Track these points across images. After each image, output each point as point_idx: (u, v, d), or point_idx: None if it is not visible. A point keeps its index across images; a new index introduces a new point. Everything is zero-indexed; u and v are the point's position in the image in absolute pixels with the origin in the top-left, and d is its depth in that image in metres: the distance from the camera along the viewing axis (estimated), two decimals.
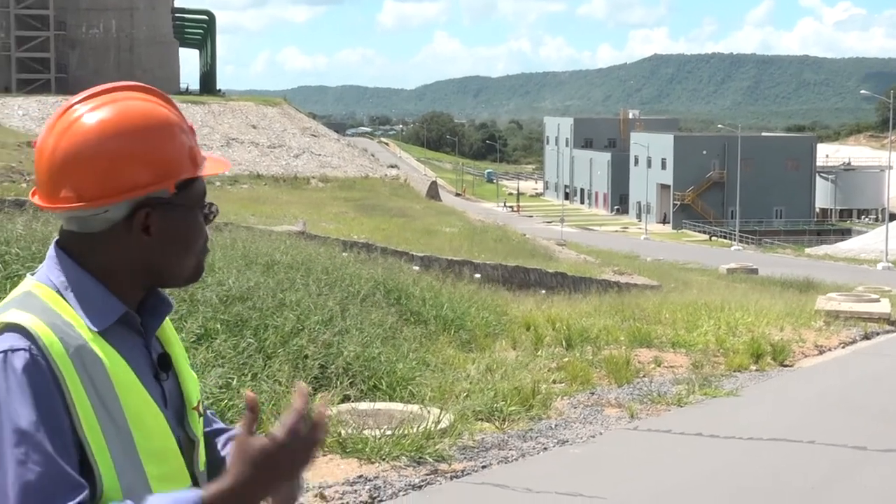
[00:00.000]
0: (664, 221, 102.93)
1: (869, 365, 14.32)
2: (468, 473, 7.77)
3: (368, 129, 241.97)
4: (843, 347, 15.96)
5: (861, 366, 14.27)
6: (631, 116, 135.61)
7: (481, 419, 9.27)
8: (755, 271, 45.99)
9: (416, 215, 50.49)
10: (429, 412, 8.59)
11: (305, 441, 1.76)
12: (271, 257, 13.19)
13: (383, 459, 7.69)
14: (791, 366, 13.99)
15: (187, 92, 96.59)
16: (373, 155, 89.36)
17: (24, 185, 32.47)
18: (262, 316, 9.68)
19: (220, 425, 2.19)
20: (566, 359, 12.38)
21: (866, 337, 17.05)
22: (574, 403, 10.49)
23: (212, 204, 1.97)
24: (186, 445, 1.95)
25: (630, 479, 7.91)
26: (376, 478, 7.33)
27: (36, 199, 1.89)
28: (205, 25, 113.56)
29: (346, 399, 8.89)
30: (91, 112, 1.85)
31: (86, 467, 1.76)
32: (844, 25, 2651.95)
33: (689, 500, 7.54)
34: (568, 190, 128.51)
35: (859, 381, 12.96)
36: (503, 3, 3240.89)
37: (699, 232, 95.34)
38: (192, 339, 8.52)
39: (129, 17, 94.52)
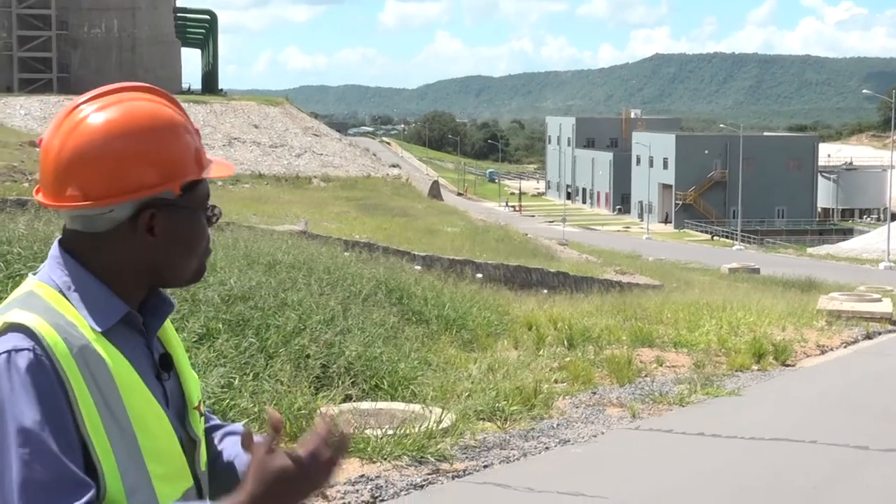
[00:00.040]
0: (666, 221, 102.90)
1: (871, 365, 14.32)
2: (470, 473, 7.77)
3: (370, 129, 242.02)
4: (845, 347, 15.95)
5: (863, 365, 14.26)
6: (633, 116, 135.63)
7: (483, 419, 9.27)
8: (757, 271, 46.00)
9: (417, 215, 50.51)
10: (430, 412, 8.60)
11: (325, 463, 1.78)
12: (273, 257, 13.19)
13: (385, 459, 7.69)
14: (793, 365, 13.98)
15: (189, 91, 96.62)
16: (374, 154, 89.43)
17: (27, 184, 32.51)
18: (263, 315, 9.68)
19: (216, 421, 2.20)
20: (568, 358, 12.38)
21: (868, 337, 17.04)
22: (576, 403, 10.49)
23: (214, 206, 1.98)
24: (188, 445, 1.95)
25: (632, 479, 7.91)
26: (378, 477, 7.33)
27: (40, 197, 1.90)
28: (207, 25, 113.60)
29: (347, 399, 8.89)
30: (98, 112, 1.85)
31: (89, 467, 1.76)
32: (846, 25, 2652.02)
33: (690, 500, 7.54)
34: (570, 189, 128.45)
35: (861, 380, 12.95)
36: (505, 2, 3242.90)
37: (701, 232, 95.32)
38: (194, 339, 8.52)
39: (131, 16, 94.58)
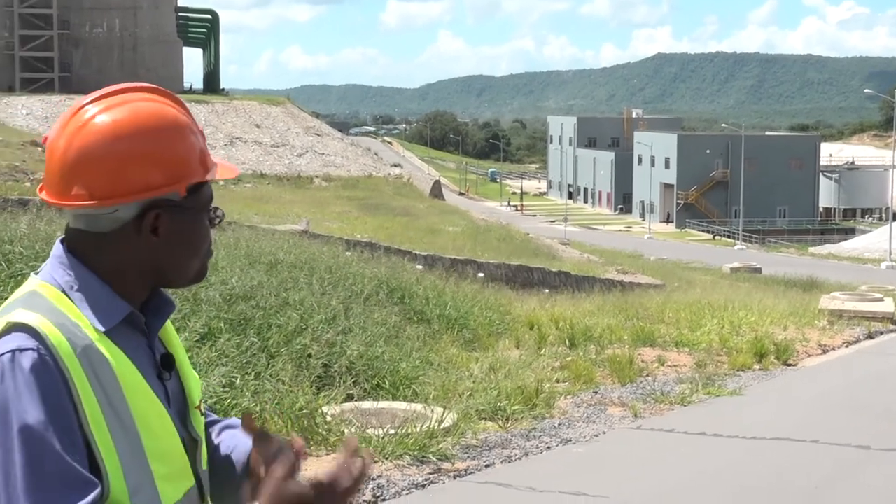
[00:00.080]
0: (668, 220, 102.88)
1: (872, 364, 14.31)
2: (471, 472, 7.77)
3: (372, 129, 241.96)
4: (847, 347, 15.94)
5: (864, 365, 14.26)
6: (634, 115, 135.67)
7: (485, 418, 9.28)
8: (758, 270, 46.00)
9: (419, 214, 50.52)
10: (432, 411, 8.60)
11: (343, 493, 1.81)
12: (275, 256, 13.19)
13: (387, 458, 7.70)
14: (794, 365, 13.98)
15: (191, 91, 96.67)
16: (376, 154, 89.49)
17: (28, 184, 32.51)
18: (265, 315, 9.69)
19: (213, 417, 2.20)
20: (569, 358, 12.38)
21: (870, 336, 17.03)
22: (577, 402, 10.50)
23: (217, 208, 1.98)
24: (189, 445, 1.95)
25: (633, 479, 7.91)
26: (380, 477, 7.33)
27: (44, 195, 1.90)
28: (208, 25, 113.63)
29: (349, 398, 8.89)
30: (105, 112, 1.85)
31: (93, 467, 1.76)
32: (848, 24, 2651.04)
33: (692, 500, 7.54)
34: (571, 189, 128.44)
35: (863, 380, 12.95)
36: (507, 2, 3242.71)
37: (703, 231, 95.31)
38: (196, 338, 8.52)
39: (133, 16, 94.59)
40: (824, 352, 15.24)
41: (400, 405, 8.90)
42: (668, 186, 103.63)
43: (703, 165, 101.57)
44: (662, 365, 12.86)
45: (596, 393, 10.98)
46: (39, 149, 45.85)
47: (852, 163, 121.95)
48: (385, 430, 8.03)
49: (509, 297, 18.02)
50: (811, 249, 75.13)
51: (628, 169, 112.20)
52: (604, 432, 9.38)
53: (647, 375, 12.17)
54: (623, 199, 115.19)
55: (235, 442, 2.11)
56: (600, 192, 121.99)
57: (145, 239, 1.87)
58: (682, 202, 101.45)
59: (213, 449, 2.11)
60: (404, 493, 7.13)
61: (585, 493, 7.35)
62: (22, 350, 1.74)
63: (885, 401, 11.51)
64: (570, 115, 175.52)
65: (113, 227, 1.86)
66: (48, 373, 1.74)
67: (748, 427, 9.70)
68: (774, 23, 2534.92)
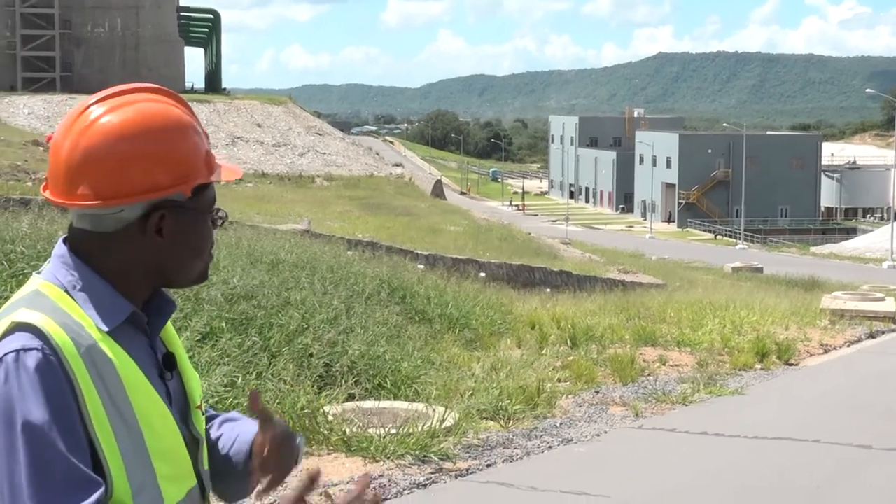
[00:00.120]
0: (669, 220, 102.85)
1: (874, 364, 14.30)
2: (473, 472, 7.77)
3: (373, 128, 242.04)
4: (849, 346, 15.93)
5: (866, 364, 14.25)
6: (636, 115, 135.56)
7: (486, 418, 9.28)
8: (760, 270, 46.01)
9: (420, 214, 50.51)
10: (434, 411, 8.59)
11: None
12: (276, 256, 13.19)
13: (388, 458, 7.70)
14: (796, 364, 13.97)
15: (192, 91, 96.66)
16: (377, 153, 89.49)
17: (30, 183, 32.51)
18: (267, 314, 9.69)
19: (212, 412, 2.21)
20: (571, 357, 12.37)
21: (871, 336, 17.02)
22: (579, 402, 10.49)
23: (219, 209, 1.99)
24: (191, 444, 1.96)
25: (635, 478, 7.91)
26: (381, 476, 7.33)
27: (48, 195, 1.90)
28: (210, 24, 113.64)
29: (350, 398, 8.89)
30: (111, 112, 1.85)
31: (96, 467, 1.76)
32: (850, 24, 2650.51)
33: (693, 499, 7.54)
34: (573, 189, 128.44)
35: (864, 379, 12.94)
36: (508, 1, 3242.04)
37: (704, 231, 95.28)
38: (198, 338, 8.53)
39: (135, 15, 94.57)
40: (826, 351, 15.24)
41: (401, 405, 8.90)
42: (669, 186, 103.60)
43: (704, 165, 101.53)
44: (664, 364, 12.85)
45: (597, 392, 10.98)
46: (41, 148, 45.86)
47: (854, 162, 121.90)
48: (386, 429, 8.03)
49: (511, 297, 18.02)
50: (813, 249, 75.11)
51: (630, 168, 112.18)
52: (605, 432, 9.37)
53: (649, 375, 12.16)
54: (624, 199, 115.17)
55: (237, 433, 2.12)
56: (602, 192, 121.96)
57: (150, 239, 1.87)
58: (684, 202, 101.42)
59: (214, 440, 2.12)
60: (406, 492, 7.13)
61: (587, 492, 7.35)
62: (26, 350, 1.74)
63: (886, 400, 11.50)
64: (571, 114, 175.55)
65: (117, 227, 1.86)
66: (52, 372, 1.74)
67: (750, 427, 9.69)
68: (776, 22, 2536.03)
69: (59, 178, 1.86)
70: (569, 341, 13.58)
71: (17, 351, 1.74)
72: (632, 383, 11.57)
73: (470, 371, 10.68)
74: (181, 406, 1.97)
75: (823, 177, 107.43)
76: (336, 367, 9.20)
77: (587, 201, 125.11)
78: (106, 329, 1.83)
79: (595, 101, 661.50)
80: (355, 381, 9.15)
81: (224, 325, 9.05)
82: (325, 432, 7.87)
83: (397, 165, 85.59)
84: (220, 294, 9.66)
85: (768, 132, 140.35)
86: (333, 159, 72.80)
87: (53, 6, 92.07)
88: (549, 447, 8.71)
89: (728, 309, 17.60)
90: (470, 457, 8.10)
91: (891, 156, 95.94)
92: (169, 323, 2.04)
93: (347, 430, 7.91)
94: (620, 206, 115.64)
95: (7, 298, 1.93)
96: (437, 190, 70.70)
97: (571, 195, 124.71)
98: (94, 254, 1.88)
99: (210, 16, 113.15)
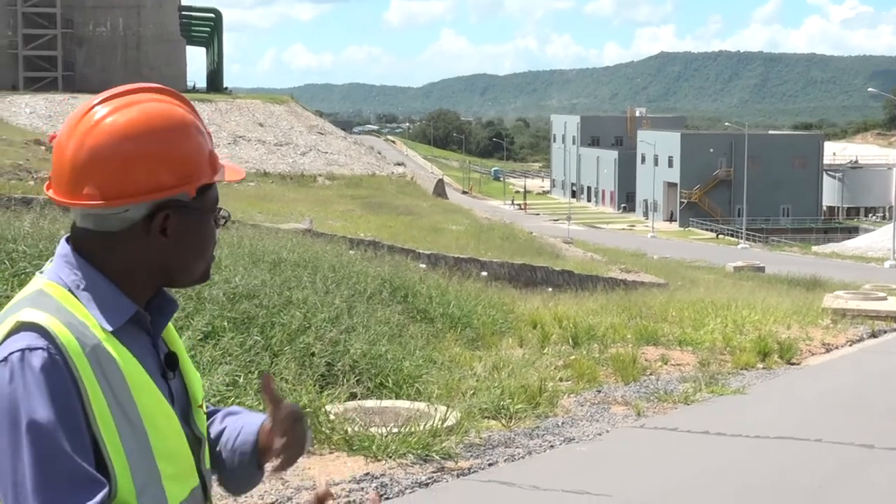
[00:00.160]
0: (671, 219, 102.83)
1: (876, 363, 14.30)
2: (475, 471, 7.77)
3: (375, 127, 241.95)
4: (851, 345, 15.93)
5: (868, 364, 14.25)
6: (638, 114, 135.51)
7: (488, 417, 9.28)
8: (762, 269, 45.99)
9: (422, 213, 50.49)
10: (435, 410, 8.60)
11: None
12: (278, 255, 13.19)
13: (390, 457, 7.70)
14: (798, 364, 13.97)
15: (194, 90, 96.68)
16: (379, 153, 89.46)
17: (32, 182, 32.51)
18: (268, 314, 9.70)
19: (211, 407, 2.22)
20: (573, 357, 12.37)
21: (873, 335, 17.02)
22: (581, 401, 10.49)
23: (221, 209, 1.99)
24: (193, 444, 1.96)
25: (636, 477, 7.90)
26: (383, 475, 7.33)
27: (52, 194, 1.90)
28: (212, 23, 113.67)
29: (352, 397, 8.89)
30: (116, 112, 1.86)
31: (101, 467, 1.76)
32: (852, 23, 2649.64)
33: (695, 498, 7.54)
34: (575, 188, 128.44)
35: (866, 379, 12.94)
36: (510, 0, 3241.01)
37: (706, 230, 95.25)
38: (200, 337, 8.53)
39: (136, 14, 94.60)
40: (828, 351, 15.23)
41: (403, 404, 8.90)
42: (671, 185, 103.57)
43: (706, 164, 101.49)
44: (666, 364, 12.85)
45: (599, 392, 10.98)
46: (43, 147, 45.87)
47: (856, 161, 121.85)
48: (388, 428, 8.03)
49: (512, 296, 18.02)
50: (814, 248, 75.07)
51: (631, 168, 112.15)
52: (607, 431, 9.37)
53: (651, 374, 12.17)
54: (626, 198, 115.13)
55: (241, 425, 2.13)
56: (603, 191, 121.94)
57: (154, 239, 1.88)
58: (686, 201, 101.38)
59: (218, 434, 2.13)
60: (408, 491, 7.14)
61: (589, 491, 7.35)
62: (32, 349, 1.74)
63: (888, 400, 11.50)
64: (573, 113, 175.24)
65: (122, 226, 1.87)
66: (58, 372, 1.74)
67: (751, 426, 9.69)
68: (778, 21, 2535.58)
69: (64, 177, 1.86)
70: (570, 340, 13.58)
71: (23, 350, 1.74)
72: (634, 382, 11.57)
73: (472, 370, 10.68)
74: (183, 405, 1.98)
75: (825, 176, 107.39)
76: (338, 367, 9.21)
77: (589, 200, 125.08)
78: (110, 329, 1.83)
79: (597, 100, 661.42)
80: (357, 381, 9.16)
81: (226, 324, 9.05)
82: (327, 431, 7.87)
83: (399, 165, 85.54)
84: (222, 293, 9.66)
85: (770, 131, 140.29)
86: (335, 158, 72.80)
87: (55, 5, 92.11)
88: (551, 446, 8.71)
89: (730, 308, 17.60)
90: (472, 456, 8.10)
91: (893, 155, 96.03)
92: (169, 322, 2.05)
93: (349, 430, 7.91)
94: (622, 205, 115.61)
95: (9, 298, 1.93)
96: (439, 189, 70.69)
97: (573, 194, 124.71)
98: (97, 253, 1.88)
99: (212, 15, 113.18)
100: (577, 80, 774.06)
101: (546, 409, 9.82)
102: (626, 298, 19.33)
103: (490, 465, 7.98)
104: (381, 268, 14.78)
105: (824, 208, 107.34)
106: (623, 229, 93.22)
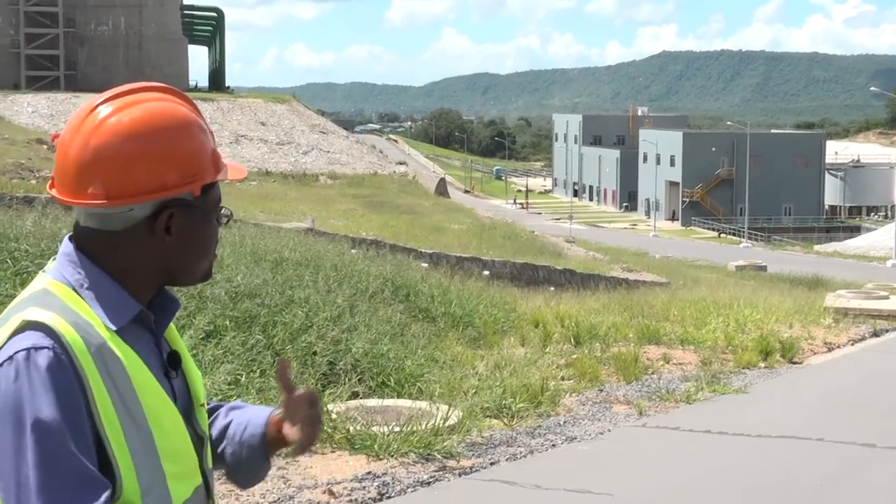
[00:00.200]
0: (673, 218, 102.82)
1: (878, 362, 14.29)
2: (476, 470, 7.77)
3: (377, 126, 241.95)
4: (853, 344, 15.91)
5: (870, 363, 14.23)
6: (640, 113, 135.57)
7: (490, 416, 9.28)
8: (764, 268, 45.99)
9: (424, 212, 50.47)
10: (437, 409, 8.60)
11: None
12: (280, 254, 13.20)
13: (392, 456, 7.70)
14: (800, 363, 13.96)
15: (196, 89, 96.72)
16: (381, 152, 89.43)
17: (34, 181, 32.50)
18: (270, 313, 9.70)
19: (214, 403, 2.23)
20: (575, 356, 12.37)
21: (875, 334, 16.99)
22: (582, 400, 10.49)
23: (223, 207, 2.00)
24: (196, 443, 1.96)
25: (638, 476, 7.90)
26: (385, 474, 7.33)
27: (55, 194, 1.90)
28: (214, 22, 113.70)
29: (354, 396, 8.89)
30: (120, 112, 1.86)
31: (105, 466, 1.77)
32: (854, 22, 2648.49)
33: (697, 498, 7.53)
34: (577, 187, 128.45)
35: (868, 378, 12.93)
36: None
37: (708, 229, 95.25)
38: (202, 336, 8.54)
39: (138, 13, 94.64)
40: (830, 350, 15.22)
41: (405, 403, 8.90)
42: (673, 184, 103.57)
43: (708, 163, 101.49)
44: (668, 363, 12.85)
45: (601, 391, 10.98)
46: (45, 146, 45.87)
47: (858, 160, 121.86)
48: (390, 427, 8.03)
49: (514, 295, 18.02)
50: (816, 247, 75.06)
51: (633, 167, 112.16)
52: (609, 430, 9.37)
53: (653, 373, 12.16)
54: (628, 197, 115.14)
55: (247, 418, 2.14)
56: (605, 190, 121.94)
57: (158, 238, 1.88)
58: (688, 200, 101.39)
59: (224, 427, 2.14)
60: (409, 490, 7.14)
61: (591, 490, 7.35)
62: (38, 348, 1.74)
63: (890, 399, 11.49)
64: (575, 112, 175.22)
65: (125, 225, 1.87)
66: (63, 372, 1.74)
67: (753, 425, 9.69)
68: (780, 20, 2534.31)
69: (68, 177, 1.86)
70: (572, 339, 13.58)
71: (29, 349, 1.74)
72: (635, 381, 11.56)
73: (473, 369, 10.68)
74: (185, 404, 1.98)
75: (827, 175, 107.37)
76: (340, 366, 9.21)
77: (591, 200, 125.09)
78: (114, 328, 1.83)
79: (599, 99, 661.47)
80: (359, 380, 9.16)
81: (228, 323, 9.06)
82: (329, 430, 7.87)
83: (401, 164, 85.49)
84: (224, 292, 9.67)
85: (772, 130, 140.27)
86: (337, 157, 72.81)
87: (57, 4, 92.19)
88: (553, 445, 8.71)
89: (732, 307, 17.59)
90: (473, 455, 8.10)
91: (895, 154, 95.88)
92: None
93: (351, 428, 7.92)
94: (624, 204, 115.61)
95: (11, 297, 1.93)
96: (441, 188, 70.65)
97: (575, 193, 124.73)
98: (101, 252, 1.88)
99: (214, 14, 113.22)
100: (579, 80, 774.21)
101: (548, 408, 9.82)
102: (628, 297, 19.32)
103: (492, 464, 7.98)
104: (382, 267, 14.78)
105: (826, 207, 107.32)
106: (625, 228, 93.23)
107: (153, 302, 1.96)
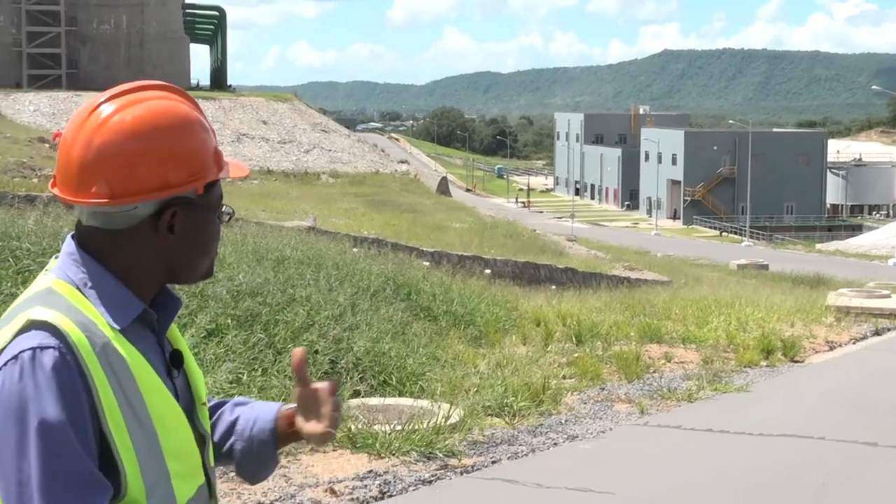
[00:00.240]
0: (674, 217, 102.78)
1: (880, 361, 14.28)
2: (478, 469, 7.77)
3: (379, 125, 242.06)
4: (854, 343, 15.91)
5: (872, 362, 14.23)
6: (641, 112, 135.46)
7: (491, 414, 9.28)
8: (766, 267, 45.93)
9: (426, 211, 50.46)
10: (439, 407, 8.60)
11: None
12: (282, 253, 13.20)
13: (393, 454, 7.70)
14: (801, 361, 13.96)
15: (198, 88, 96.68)
16: (383, 150, 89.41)
17: (36, 180, 32.51)
18: (272, 311, 9.70)
19: (215, 400, 2.23)
20: (576, 354, 12.37)
21: (877, 333, 16.99)
22: (584, 399, 10.49)
23: (225, 205, 2.00)
24: (198, 442, 1.97)
25: (640, 475, 7.90)
26: (386, 473, 7.34)
27: (57, 192, 1.90)
28: (215, 21, 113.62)
29: (356, 394, 8.90)
30: (122, 110, 1.86)
31: (110, 466, 1.77)
32: (856, 21, 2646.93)
33: (699, 496, 7.53)
34: (578, 186, 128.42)
35: (870, 376, 12.92)
36: None
37: (709, 228, 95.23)
38: (203, 335, 8.54)
39: (140, 12, 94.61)
40: (831, 348, 15.22)
41: (406, 401, 8.91)
42: (675, 183, 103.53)
43: (710, 162, 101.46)
44: (669, 361, 12.85)
45: (603, 389, 10.98)
46: (47, 145, 45.89)
47: (859, 159, 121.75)
48: (392, 426, 8.04)
49: (516, 294, 18.01)
50: (818, 246, 75.03)
51: (635, 165, 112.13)
52: (610, 429, 9.37)
53: (654, 372, 12.16)
54: (630, 196, 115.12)
55: (255, 413, 2.16)
56: (607, 189, 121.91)
57: (162, 237, 1.88)
58: (689, 199, 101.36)
59: (231, 423, 2.15)
60: (411, 488, 7.14)
61: (592, 489, 7.35)
62: (43, 348, 1.74)
63: (892, 397, 11.48)
64: (577, 111, 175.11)
65: (128, 224, 1.87)
66: (68, 372, 1.74)
67: (755, 423, 9.69)
68: (782, 19, 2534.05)
69: (71, 176, 1.86)
70: (574, 338, 13.58)
71: (34, 349, 1.74)
72: (637, 380, 11.56)
73: (475, 368, 10.68)
74: (187, 403, 1.98)
75: (829, 174, 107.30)
76: (341, 364, 9.21)
77: (592, 198, 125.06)
78: (118, 327, 1.83)
79: (600, 98, 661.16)
80: (360, 378, 9.16)
81: (229, 321, 9.06)
82: None
83: (403, 162, 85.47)
84: (226, 291, 9.68)
85: (774, 129, 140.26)
86: (339, 156, 72.79)
87: (59, 3, 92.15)
88: (555, 444, 8.71)
89: (733, 306, 17.59)
90: (475, 453, 8.10)
91: None
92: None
93: (353, 427, 7.92)
94: (626, 202, 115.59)
95: (13, 295, 1.93)
96: (443, 187, 70.63)
97: (577, 192, 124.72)
98: (104, 251, 1.88)
99: (215, 13, 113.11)
100: (580, 78, 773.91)
101: (549, 406, 9.82)
102: (630, 296, 19.32)
103: (493, 462, 7.98)
104: (384, 265, 14.78)
105: (828, 206, 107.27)
106: (626, 227, 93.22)
107: (155, 300, 1.96)
